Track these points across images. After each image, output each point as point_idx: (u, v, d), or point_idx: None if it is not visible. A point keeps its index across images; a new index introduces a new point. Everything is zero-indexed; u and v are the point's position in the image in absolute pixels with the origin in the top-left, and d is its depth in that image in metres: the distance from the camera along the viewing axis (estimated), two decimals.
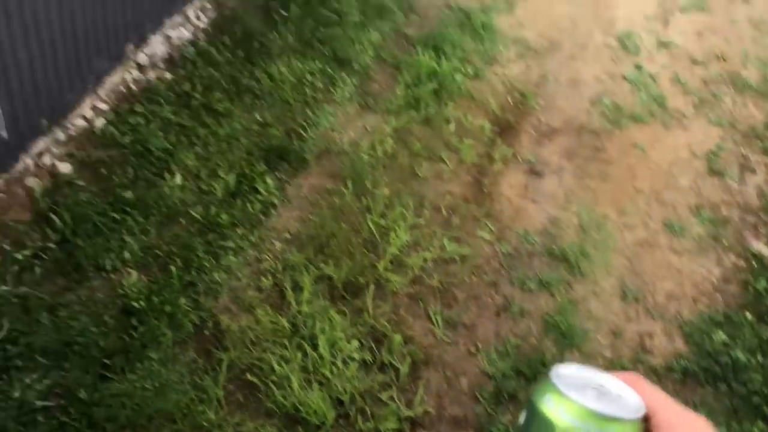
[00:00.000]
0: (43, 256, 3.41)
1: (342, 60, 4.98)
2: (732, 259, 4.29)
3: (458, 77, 5.08)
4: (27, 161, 3.77)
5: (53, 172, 3.79)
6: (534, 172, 4.59)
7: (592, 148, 4.82)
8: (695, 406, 3.48)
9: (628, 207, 4.48)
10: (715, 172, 4.82)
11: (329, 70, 4.88)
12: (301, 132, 4.41)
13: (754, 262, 4.24)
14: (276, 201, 3.98)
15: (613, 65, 5.59)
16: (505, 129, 4.82)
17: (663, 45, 5.88)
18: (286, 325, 3.38)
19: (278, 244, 3.78)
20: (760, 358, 3.66)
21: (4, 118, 3.38)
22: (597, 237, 4.25)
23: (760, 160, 4.98)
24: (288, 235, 3.83)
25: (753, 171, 4.90)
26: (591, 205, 4.44)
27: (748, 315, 3.91)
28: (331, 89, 4.78)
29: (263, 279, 3.58)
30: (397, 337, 3.46)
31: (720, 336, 3.76)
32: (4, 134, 3.43)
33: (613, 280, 4.04)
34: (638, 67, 5.59)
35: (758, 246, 4.20)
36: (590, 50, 5.72)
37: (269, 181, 4.04)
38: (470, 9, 5.88)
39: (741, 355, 3.65)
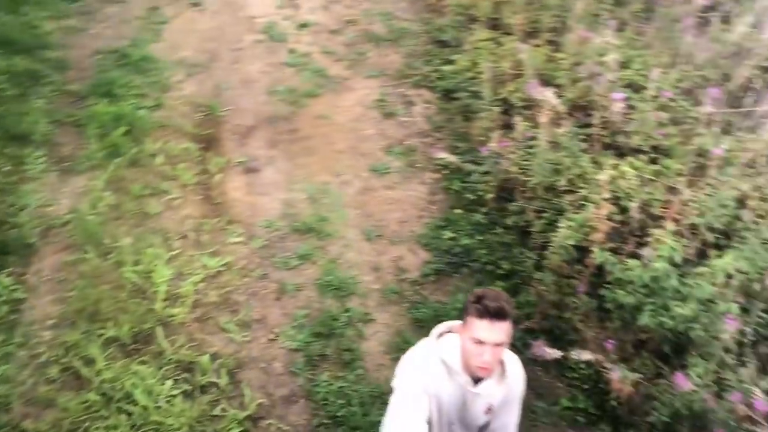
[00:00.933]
0: None
1: (19, 137, 4.79)
2: (429, 176, 5.19)
3: (142, 113, 5.22)
4: None
5: None
6: (251, 170, 4.98)
7: (288, 131, 5.35)
8: (453, 293, 4.26)
9: (339, 167, 5.12)
10: (388, 115, 5.69)
11: (10, 151, 4.68)
12: (13, 220, 4.22)
13: (444, 171, 5.18)
14: (21, 296, 3.82)
15: (271, 56, 6.17)
16: (209, 142, 5.12)
17: (302, 26, 6.62)
18: (97, 397, 3.36)
19: (47, 333, 3.66)
20: (478, 237, 4.57)
21: None
22: (327, 201, 4.81)
23: (414, 93, 5.98)
24: (53, 321, 3.73)
25: (413, 103, 5.87)
26: (310, 177, 4.99)
27: (458, 211, 4.82)
28: (22, 168, 4.60)
29: (49, 370, 3.47)
30: (204, 359, 3.65)
31: (447, 234, 4.60)
32: None
33: (354, 229, 4.64)
34: (292, 51, 6.24)
35: (442, 156, 5.12)
36: (246, 50, 6.21)
37: (4, 280, 3.84)
38: (122, 48, 5.98)
39: (467, 241, 4.53)
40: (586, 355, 2.99)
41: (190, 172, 4.81)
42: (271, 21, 6.60)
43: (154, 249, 4.18)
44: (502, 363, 2.34)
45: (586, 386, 3.67)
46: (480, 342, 2.15)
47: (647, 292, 3.39)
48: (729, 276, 3.41)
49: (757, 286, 3.45)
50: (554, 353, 3.07)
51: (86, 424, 3.27)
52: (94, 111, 5.10)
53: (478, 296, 2.17)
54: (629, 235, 3.84)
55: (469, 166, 4.97)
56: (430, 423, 2.29)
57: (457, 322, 2.33)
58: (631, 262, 3.44)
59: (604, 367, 3.31)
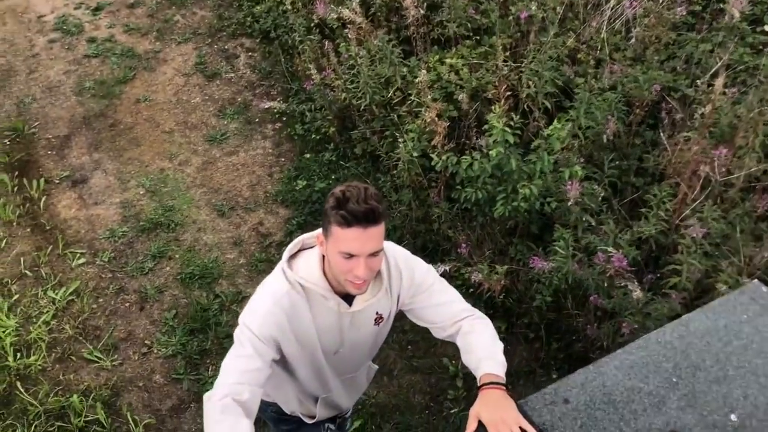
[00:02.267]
0: None
1: None
2: (270, 127, 4.89)
3: None
4: None
5: None
6: (77, 182, 4.54)
7: (108, 127, 4.90)
8: None
9: (172, 149, 4.75)
10: (211, 76, 5.30)
11: None
12: None
13: (284, 118, 4.89)
14: None
15: (71, 53, 5.60)
16: (24, 167, 4.63)
17: (96, 10, 6.03)
18: None
19: None
20: (333, 176, 4.35)
21: None
22: (167, 189, 4.47)
23: (233, 44, 5.59)
24: None
25: (236, 55, 5.50)
26: (143, 170, 4.60)
27: (307, 155, 4.57)
28: None
29: None
30: (75, 399, 3.34)
31: (301, 184, 4.36)
32: None
33: (204, 209, 4.34)
34: (92, 41, 5.69)
35: (271, 104, 4.82)
36: (42, 54, 5.61)
37: None
38: None
39: (322, 185, 4.30)
40: (443, 267, 2.85)
41: (10, 206, 4.34)
42: (61, 15, 5.98)
43: None
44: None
45: (471, 290, 3.59)
46: (350, 255, 1.68)
47: (495, 182, 3.28)
48: (574, 136, 3.34)
49: (603, 138, 3.39)
50: None
51: None
52: None
53: (339, 199, 1.66)
54: (468, 129, 3.70)
55: (303, 107, 4.70)
56: (292, 363, 1.93)
57: (310, 235, 1.89)
58: (473, 157, 3.30)
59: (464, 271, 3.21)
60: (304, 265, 1.83)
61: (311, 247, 1.88)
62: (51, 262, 4.04)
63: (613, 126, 3.33)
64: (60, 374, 3.49)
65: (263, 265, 3.96)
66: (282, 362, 1.92)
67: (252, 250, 4.09)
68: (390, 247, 1.93)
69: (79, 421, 3.28)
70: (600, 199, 3.15)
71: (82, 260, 4.05)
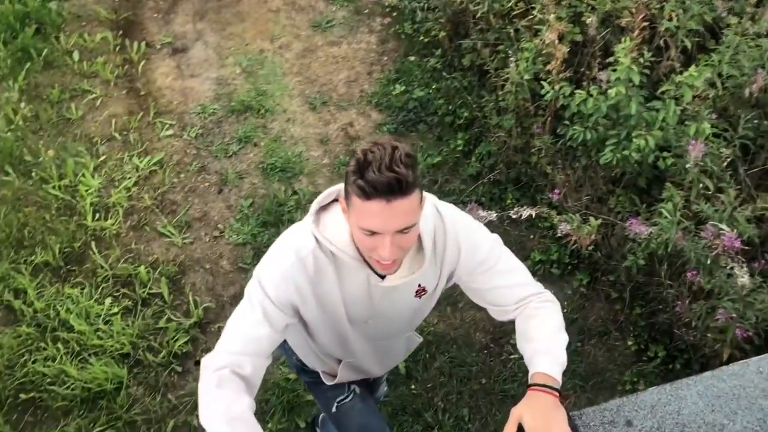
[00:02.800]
0: None
1: None
2: (379, 21, 4.60)
3: (52, 5, 4.65)
4: None
5: None
6: (178, 51, 4.47)
7: None
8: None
9: (275, 30, 4.56)
10: None
11: None
12: None
13: (395, 14, 4.57)
14: None
15: None
16: (129, 27, 4.59)
17: None
18: (30, 330, 3.16)
19: None
20: (435, 85, 4.06)
21: None
22: (264, 72, 4.32)
23: None
24: None
25: None
26: (243, 48, 4.46)
27: (411, 58, 4.28)
28: None
29: None
30: (142, 269, 3.39)
31: (400, 89, 4.10)
32: None
33: (297, 99, 4.18)
34: None
35: None
36: None
37: None
38: None
39: (421, 93, 4.03)
40: (528, 211, 2.58)
41: (110, 66, 4.33)
42: None
43: (77, 159, 3.83)
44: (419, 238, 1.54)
45: (557, 236, 3.30)
46: (372, 233, 1.38)
47: (609, 123, 2.91)
48: (711, 85, 2.89)
49: (746, 92, 2.93)
50: (488, 215, 2.67)
51: (24, 358, 3.09)
52: None
53: (359, 162, 1.34)
54: (591, 58, 3.29)
55: (415, 4, 4.35)
56: (312, 326, 1.69)
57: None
58: (588, 92, 2.93)
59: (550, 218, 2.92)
60: (333, 224, 1.52)
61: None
62: (140, 129, 4.04)
63: (761, 80, 2.85)
64: (132, 242, 3.54)
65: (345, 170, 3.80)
66: (301, 322, 1.69)
67: (337, 151, 3.92)
68: (449, 214, 1.61)
69: (144, 291, 3.33)
70: (725, 163, 2.74)
71: (170, 132, 4.02)
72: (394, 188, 1.31)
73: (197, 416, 2.77)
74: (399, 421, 2.93)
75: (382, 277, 1.54)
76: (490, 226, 3.42)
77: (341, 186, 1.47)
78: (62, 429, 2.89)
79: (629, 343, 3.13)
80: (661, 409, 1.49)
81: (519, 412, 1.44)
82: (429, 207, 1.55)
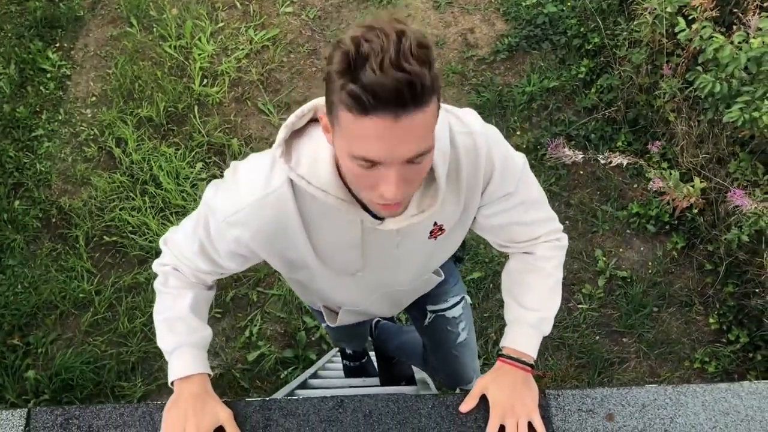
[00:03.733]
0: None
1: None
2: None
3: None
4: None
5: None
6: None
7: None
8: (527, 74, 3.60)
9: None
10: None
11: None
12: None
13: None
14: (67, 71, 3.77)
15: None
16: None
17: None
18: (124, 179, 3.34)
19: (88, 111, 3.63)
20: (570, 2, 3.71)
21: None
22: None
23: None
24: (94, 98, 3.67)
25: None
26: None
27: None
28: None
29: (86, 149, 3.48)
30: (234, 142, 3.45)
31: (530, 0, 3.78)
32: None
33: None
34: None
35: None
36: None
37: (51, 55, 3.79)
38: None
39: (553, 8, 3.70)
40: (617, 159, 2.32)
41: None
42: None
43: (197, 22, 3.88)
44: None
45: (653, 193, 3.02)
46: (371, 163, 0.97)
47: (746, 78, 2.54)
48: None
49: None
50: (575, 156, 2.43)
51: (113, 203, 3.29)
52: None
53: (350, 57, 0.90)
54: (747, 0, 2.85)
55: None
56: (286, 275, 1.39)
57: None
58: (731, 39, 2.55)
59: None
60: (310, 155, 1.10)
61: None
62: (261, 1, 4.01)
63: None
64: (232, 114, 3.59)
65: (455, 78, 3.63)
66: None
67: (450, 57, 3.73)
68: (479, 127, 1.19)
69: (231, 161, 3.40)
70: None
71: (289, 9, 3.97)
72: (404, 96, 0.89)
73: (257, 292, 2.81)
74: None
75: (381, 219, 1.16)
76: (586, 166, 3.18)
77: (321, 100, 1.08)
78: (135, 275, 3.08)
79: (711, 320, 2.87)
80: (653, 410, 1.30)
81: (484, 383, 1.33)
82: (443, 117, 1.13)
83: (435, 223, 1.25)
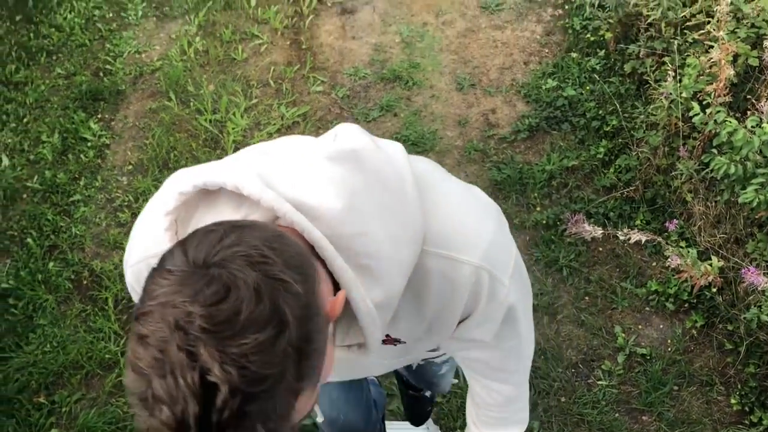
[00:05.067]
0: None
1: None
2: (550, 12, 4.43)
3: None
4: None
5: None
6: (346, 11, 4.59)
7: None
8: (547, 153, 3.71)
9: (443, 5, 4.54)
10: None
11: None
12: (108, 67, 4.32)
13: (567, 6, 4.38)
14: (107, 141, 3.96)
15: None
16: None
17: None
18: None
19: (124, 179, 3.80)
20: (589, 87, 3.86)
21: None
22: (421, 45, 4.33)
23: None
24: (130, 167, 3.84)
25: None
26: (408, 18, 4.50)
27: (573, 54, 4.09)
28: (123, 15, 4.65)
29: (120, 214, 3.62)
30: None
31: (551, 83, 3.94)
32: None
33: (446, 77, 4.16)
34: None
35: None
36: None
37: (93, 125, 4.00)
38: None
39: (572, 92, 3.85)
40: (636, 236, 2.39)
41: (281, 16, 4.54)
42: None
43: (232, 98, 4.08)
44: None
45: (670, 270, 3.06)
46: None
47: (761, 161, 2.63)
48: None
49: None
50: (593, 231, 2.50)
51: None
52: None
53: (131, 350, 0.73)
54: (763, 86, 2.97)
55: None
56: None
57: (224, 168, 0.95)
58: (745, 124, 2.65)
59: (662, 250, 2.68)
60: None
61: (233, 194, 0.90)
62: (294, 80, 4.22)
63: None
64: None
65: (476, 155, 3.75)
66: None
67: (472, 135, 3.87)
68: (488, 246, 1.02)
69: None
70: None
71: (320, 88, 4.17)
72: None
73: None
74: (464, 419, 2.89)
75: None
76: (606, 243, 3.23)
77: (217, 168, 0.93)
78: None
79: (732, 401, 2.85)
80: None
81: None
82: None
83: (387, 336, 1.05)
